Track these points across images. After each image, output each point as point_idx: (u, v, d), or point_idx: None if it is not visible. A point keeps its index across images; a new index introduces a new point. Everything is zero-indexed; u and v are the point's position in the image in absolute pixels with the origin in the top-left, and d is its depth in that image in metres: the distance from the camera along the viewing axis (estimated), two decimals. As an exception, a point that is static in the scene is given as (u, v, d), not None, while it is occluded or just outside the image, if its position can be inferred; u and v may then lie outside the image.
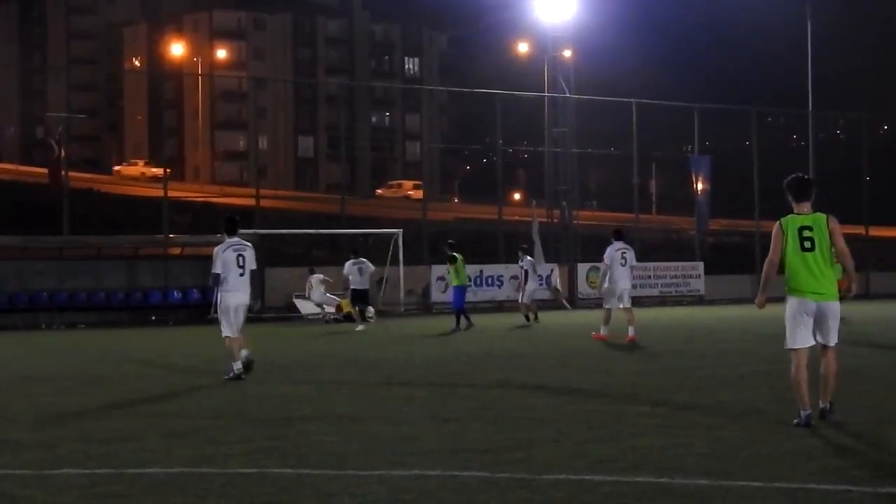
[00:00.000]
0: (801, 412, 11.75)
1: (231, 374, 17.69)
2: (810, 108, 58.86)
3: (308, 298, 38.08)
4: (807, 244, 11.78)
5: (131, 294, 41.25)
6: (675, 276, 50.11)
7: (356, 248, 35.55)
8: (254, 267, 18.21)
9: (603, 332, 25.21)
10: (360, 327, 32.18)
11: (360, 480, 9.35)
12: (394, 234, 41.99)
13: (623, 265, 25.35)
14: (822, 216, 11.89)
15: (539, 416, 13.05)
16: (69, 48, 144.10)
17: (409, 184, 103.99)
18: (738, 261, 54.94)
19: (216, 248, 18.11)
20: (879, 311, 36.12)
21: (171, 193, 46.79)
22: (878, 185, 60.36)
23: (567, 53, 53.81)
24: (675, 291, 49.72)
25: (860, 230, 54.38)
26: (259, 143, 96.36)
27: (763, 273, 12.17)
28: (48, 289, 39.84)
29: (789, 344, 11.97)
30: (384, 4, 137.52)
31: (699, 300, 49.22)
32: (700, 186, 53.34)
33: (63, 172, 45.31)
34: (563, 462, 10.00)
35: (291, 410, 13.92)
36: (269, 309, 40.76)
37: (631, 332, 24.48)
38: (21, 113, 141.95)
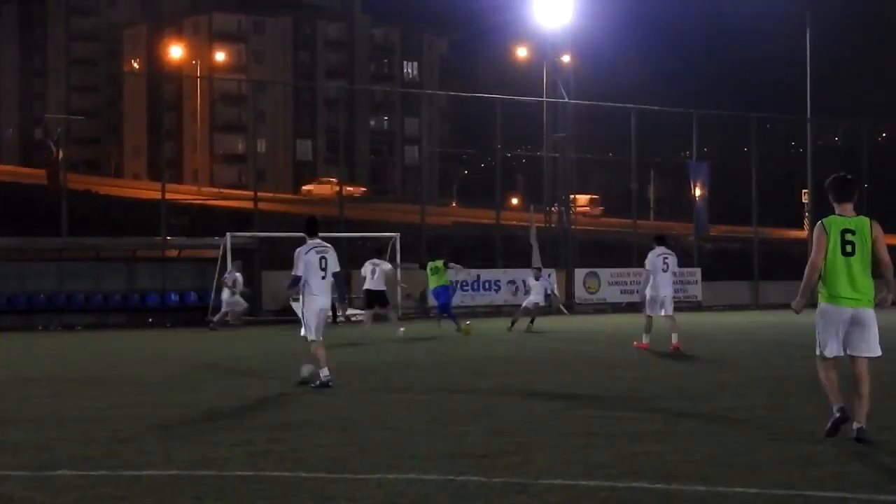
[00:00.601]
0: (834, 406, 11.30)
1: (318, 382, 16.96)
2: (809, 115, 58.89)
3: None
4: (848, 248, 11.27)
5: (129, 296, 41.26)
6: (673, 283, 50.11)
7: (380, 248, 35.78)
8: (337, 269, 17.41)
9: (645, 340, 24.37)
10: (367, 326, 31.32)
11: (357, 484, 9.36)
12: (391, 237, 41.98)
13: (665, 271, 24.79)
14: (865, 220, 11.42)
15: (537, 420, 13.06)
16: (69, 50, 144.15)
17: (582, 198, 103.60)
18: (737, 267, 54.97)
19: (298, 250, 17.37)
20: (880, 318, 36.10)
21: (169, 196, 46.78)
22: (877, 192, 60.37)
23: (566, 58, 53.88)
24: (673, 297, 49.69)
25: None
26: (258, 146, 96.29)
27: (805, 276, 11.44)
28: (46, 290, 39.87)
29: (821, 351, 11.46)
30: (384, 8, 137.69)
31: (697, 306, 49.21)
32: (698, 192, 53.37)
33: (61, 174, 45.32)
34: (561, 467, 10.00)
35: (290, 414, 13.93)
36: (266, 312, 40.83)
37: (675, 339, 23.87)
38: (21, 114, 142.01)
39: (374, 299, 31.88)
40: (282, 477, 9.71)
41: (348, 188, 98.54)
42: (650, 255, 24.91)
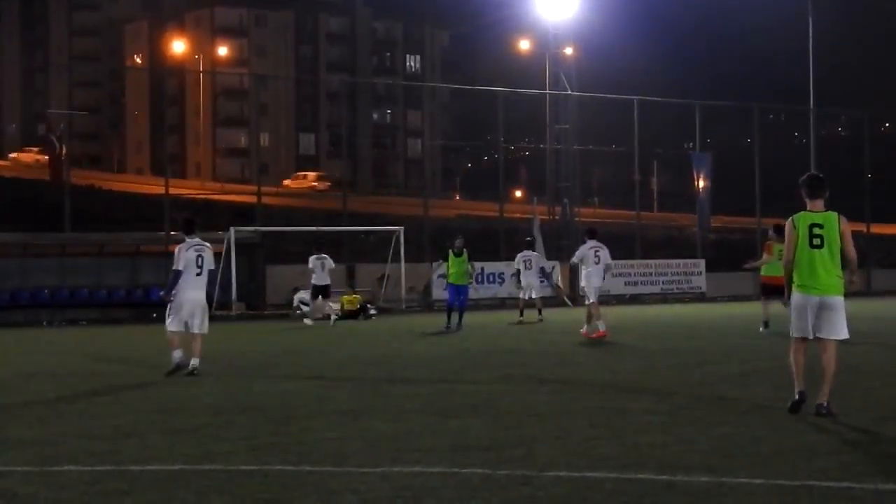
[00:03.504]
0: (795, 390, 12.38)
1: (172, 368, 18.12)
2: (812, 106, 58.81)
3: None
4: (816, 241, 12.19)
5: (133, 291, 41.27)
6: (677, 274, 50.13)
7: (319, 242, 36.12)
8: (212, 267, 18.67)
9: (601, 328, 25.26)
10: (309, 321, 33.31)
11: (362, 477, 9.35)
12: (395, 231, 41.99)
13: (596, 263, 25.98)
14: (833, 215, 12.27)
15: (541, 412, 13.05)
16: (71, 45, 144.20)
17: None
18: (740, 258, 54.79)
19: (178, 247, 18.42)
20: (880, 308, 36.12)
21: (172, 190, 46.79)
22: (879, 182, 60.34)
23: (569, 50, 53.84)
24: (677, 289, 49.73)
25: (861, 228, 54.35)
26: (260, 140, 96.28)
27: (784, 273, 12.73)
28: (50, 286, 39.87)
29: (791, 332, 12.53)
30: (386, 1, 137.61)
31: (701, 297, 49.21)
32: (701, 183, 53.34)
33: (64, 170, 45.32)
34: (565, 459, 9.99)
35: (294, 407, 13.92)
36: (269, 306, 40.82)
37: (602, 327, 25.14)
38: (23, 110, 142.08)
39: (321, 292, 33.65)
40: (286, 471, 9.70)
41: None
42: (582, 248, 26.43)
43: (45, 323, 38.42)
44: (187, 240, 18.43)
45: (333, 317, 33.34)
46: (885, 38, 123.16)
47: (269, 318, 38.20)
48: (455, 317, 30.43)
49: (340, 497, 8.64)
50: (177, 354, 18.26)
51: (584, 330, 25.64)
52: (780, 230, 25.78)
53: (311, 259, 33.99)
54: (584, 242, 26.43)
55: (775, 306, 25.59)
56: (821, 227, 12.20)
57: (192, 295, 18.24)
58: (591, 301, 25.77)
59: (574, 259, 26.41)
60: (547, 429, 11.76)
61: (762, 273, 27.26)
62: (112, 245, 43.65)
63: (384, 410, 13.50)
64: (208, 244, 18.66)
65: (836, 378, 12.35)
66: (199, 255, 18.25)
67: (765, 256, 26.90)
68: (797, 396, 12.30)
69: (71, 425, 12.69)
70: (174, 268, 18.16)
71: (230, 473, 9.64)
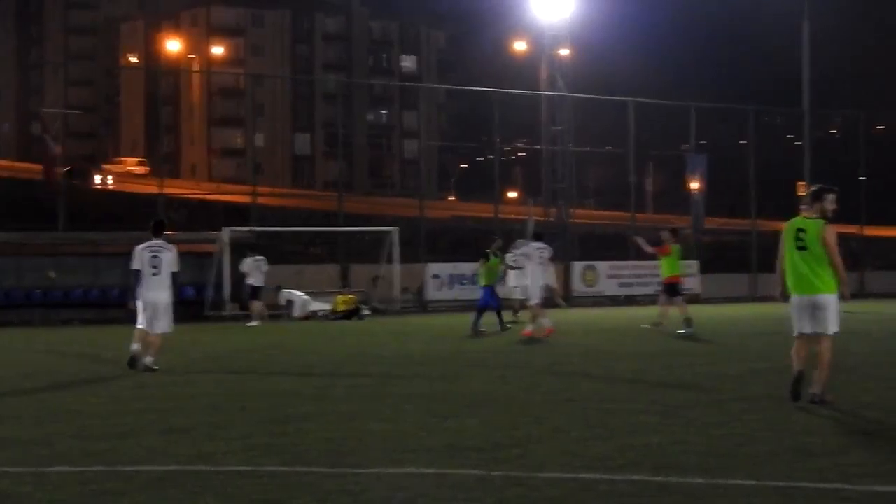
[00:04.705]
0: (794, 371, 13.20)
1: (143, 367, 18.53)
2: (806, 107, 58.82)
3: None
4: (800, 243, 13.18)
5: (127, 291, 41.16)
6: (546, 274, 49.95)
7: (256, 245, 36.64)
8: (176, 269, 18.99)
9: (547, 324, 25.88)
10: (255, 322, 33.74)
11: (356, 478, 9.35)
12: (390, 231, 41.98)
13: (540, 263, 26.61)
14: (818, 222, 13.18)
15: (536, 413, 13.05)
16: (66, 44, 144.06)
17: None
18: (735, 259, 54.93)
19: (136, 248, 19.06)
20: (875, 310, 36.14)
21: (167, 190, 46.75)
22: (874, 184, 60.35)
23: (564, 52, 53.85)
24: (543, 288, 49.47)
25: (856, 230, 54.38)
26: (256, 140, 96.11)
27: (776, 272, 13.73)
28: (44, 285, 39.79)
29: (793, 331, 13.38)
30: (382, 1, 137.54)
31: (695, 299, 49.16)
32: (696, 185, 53.32)
33: (59, 168, 45.25)
34: (560, 460, 10.00)
35: (289, 408, 13.92)
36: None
37: (531, 328, 25.79)
38: (18, 109, 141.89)
39: (257, 294, 34.63)
40: (280, 471, 9.70)
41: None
42: (528, 249, 27.11)
43: (39, 323, 38.32)
44: (148, 241, 18.99)
45: (257, 322, 34.03)
46: (879, 40, 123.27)
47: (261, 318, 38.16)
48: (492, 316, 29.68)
49: (334, 498, 8.63)
50: (133, 347, 18.77)
51: (528, 330, 25.97)
52: (675, 232, 28.08)
53: (248, 261, 34.92)
54: (527, 244, 27.04)
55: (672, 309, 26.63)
56: (804, 231, 13.16)
57: (149, 296, 18.72)
58: (535, 302, 26.14)
59: (514, 256, 26.77)
60: (542, 429, 11.77)
61: (664, 274, 27.82)
62: (107, 244, 43.53)
63: (379, 411, 13.50)
64: (171, 246, 19.04)
65: (829, 369, 13.08)
66: (155, 256, 18.73)
67: (661, 256, 27.76)
68: (795, 374, 13.08)
69: (65, 425, 12.68)
70: (131, 267, 18.87)
71: (225, 474, 9.64)
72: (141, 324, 18.84)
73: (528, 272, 26.78)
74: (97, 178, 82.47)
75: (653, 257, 32.10)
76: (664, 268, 27.95)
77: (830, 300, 13.10)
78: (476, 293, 42.97)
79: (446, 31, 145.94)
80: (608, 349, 23.08)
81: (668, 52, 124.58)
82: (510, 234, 46.17)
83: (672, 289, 27.75)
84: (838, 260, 13.06)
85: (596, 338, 26.86)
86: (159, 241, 18.97)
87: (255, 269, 34.68)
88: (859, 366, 17.38)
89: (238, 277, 37.69)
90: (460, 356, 21.73)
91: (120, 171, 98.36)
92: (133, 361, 18.64)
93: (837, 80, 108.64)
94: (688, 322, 26.33)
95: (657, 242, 28.35)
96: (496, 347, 23.99)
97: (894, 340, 24.40)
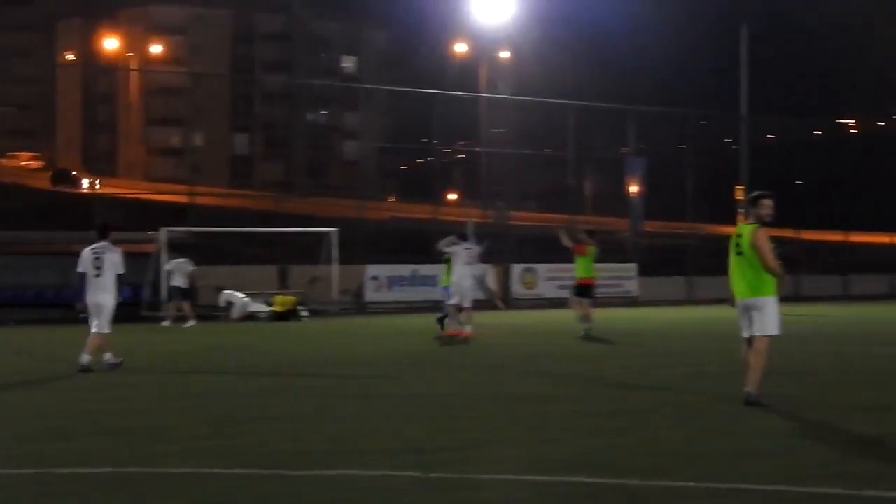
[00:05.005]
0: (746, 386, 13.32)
1: (107, 366, 18.80)
2: (743, 112, 59.30)
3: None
4: (738, 249, 13.61)
5: (63, 291, 40.79)
6: (609, 278, 50.23)
7: (182, 246, 36.75)
8: (121, 271, 19.21)
9: (467, 329, 25.82)
10: (189, 323, 33.81)
11: (295, 481, 9.33)
12: (329, 232, 41.83)
13: (467, 264, 26.43)
14: (749, 227, 13.54)
15: (478, 415, 13.08)
16: (2, 40, 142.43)
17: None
18: (672, 262, 55.25)
19: (82, 250, 19.32)
20: (811, 312, 36.46)
21: (103, 189, 46.37)
22: (810, 189, 60.93)
23: (505, 54, 54.01)
24: (610, 293, 49.84)
25: (792, 234, 54.88)
26: (194, 139, 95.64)
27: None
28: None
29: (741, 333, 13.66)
30: (324, 2, 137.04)
31: (633, 302, 49.44)
32: (634, 188, 53.62)
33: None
34: (500, 462, 10.03)
35: (230, 409, 13.86)
36: (202, 307, 40.50)
37: (460, 328, 25.79)
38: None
39: (181, 294, 34.70)
40: (221, 473, 9.65)
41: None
42: (456, 248, 26.77)
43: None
44: (96, 244, 19.19)
45: (167, 323, 34.27)
46: (816, 45, 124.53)
47: (202, 319, 37.93)
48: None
49: (273, 500, 8.62)
50: (105, 356, 18.92)
51: (453, 330, 26.09)
52: (591, 233, 28.14)
53: (173, 262, 35.09)
54: (457, 243, 26.83)
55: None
56: (741, 237, 13.55)
57: (91, 297, 19.03)
58: (465, 305, 26.16)
59: (443, 246, 26.64)
60: (483, 431, 11.80)
61: (578, 274, 27.98)
62: (41, 244, 43.15)
63: (321, 412, 13.47)
64: (116, 248, 19.26)
65: (762, 370, 13.24)
66: (97, 257, 18.95)
67: (577, 255, 27.77)
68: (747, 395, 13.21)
69: (2, 427, 12.54)
70: (77, 269, 19.12)
71: (164, 476, 9.58)
72: (93, 328, 19.14)
73: (455, 272, 26.60)
74: (85, 182, 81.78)
75: (604, 260, 32.08)
76: (579, 268, 27.90)
77: (766, 302, 13.35)
78: (413, 295, 43.26)
79: (388, 32, 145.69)
80: (550, 351, 23.14)
81: (609, 56, 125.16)
82: (449, 236, 46.21)
83: (583, 290, 27.75)
84: (770, 259, 13.27)
85: (537, 340, 26.93)
86: (104, 244, 19.14)
87: (179, 271, 34.76)
88: (798, 368, 17.53)
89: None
90: (402, 358, 21.72)
91: (14, 165, 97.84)
92: (114, 367, 18.88)
93: (775, 85, 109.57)
94: (587, 323, 26.66)
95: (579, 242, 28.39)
96: (438, 349, 23.99)
97: (831, 343, 24.66)
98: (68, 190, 66.44)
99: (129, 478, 9.53)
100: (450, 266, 28.37)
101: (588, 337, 25.77)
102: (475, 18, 54.20)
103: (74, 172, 79.92)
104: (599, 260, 28.71)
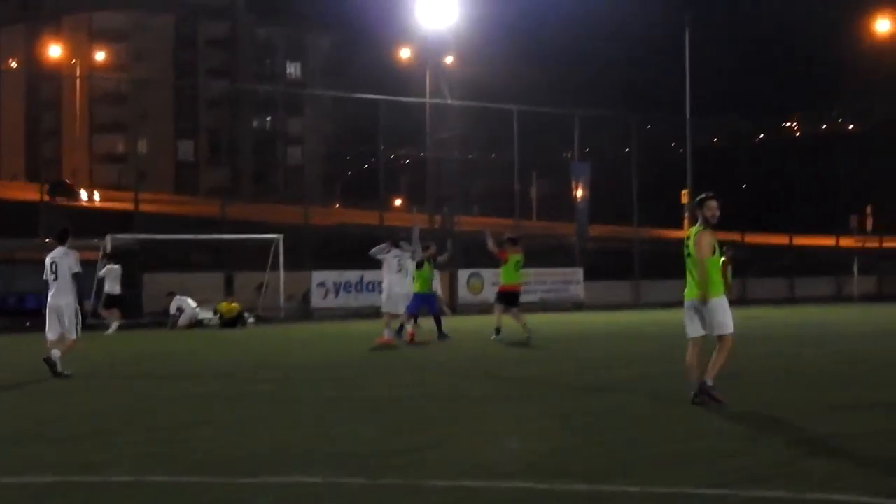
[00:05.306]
0: (693, 383, 13.53)
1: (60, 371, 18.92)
2: (688, 116, 59.69)
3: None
4: (686, 251, 13.83)
5: (7, 299, 40.44)
6: (556, 282, 50.39)
7: (115, 252, 36.82)
8: (76, 270, 19.47)
9: (387, 335, 26.01)
10: (111, 329, 34.18)
11: (241, 488, 9.29)
12: (274, 238, 41.70)
13: (398, 271, 26.68)
14: (695, 229, 13.81)
15: (428, 420, 13.08)
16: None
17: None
18: (618, 267, 55.46)
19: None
20: (757, 315, 36.71)
21: (48, 197, 45.98)
22: (754, 192, 61.41)
23: (449, 59, 54.07)
24: (556, 297, 49.97)
25: (737, 237, 55.26)
26: (139, 146, 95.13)
27: None
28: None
29: (685, 334, 13.81)
30: (268, 6, 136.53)
31: (579, 306, 49.59)
32: (580, 192, 53.80)
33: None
34: (450, 467, 10.02)
35: (177, 416, 13.79)
36: (147, 314, 40.27)
37: (388, 335, 26.00)
38: None
39: (115, 302, 35.14)
40: (165, 481, 9.59)
41: None
42: (387, 257, 26.89)
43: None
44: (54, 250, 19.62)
45: (115, 325, 34.62)
46: (759, 49, 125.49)
47: (147, 327, 37.73)
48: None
49: (220, 508, 8.57)
50: (54, 353, 19.17)
51: (385, 337, 26.01)
52: (514, 241, 27.95)
53: (106, 268, 35.38)
54: (389, 251, 26.97)
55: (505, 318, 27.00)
56: (689, 239, 13.81)
57: (50, 300, 19.44)
58: (398, 312, 26.53)
59: (375, 253, 26.94)
60: (433, 436, 11.79)
61: (501, 280, 28.08)
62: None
63: (269, 419, 13.42)
64: (71, 251, 19.57)
65: (724, 361, 13.53)
66: (53, 262, 19.41)
67: (499, 261, 27.81)
68: (694, 392, 13.43)
69: (-58, 437, 12.41)
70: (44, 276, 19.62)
71: (107, 485, 9.50)
72: (46, 332, 19.55)
73: (386, 281, 26.73)
74: (83, 195, 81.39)
75: (533, 265, 32.18)
76: (502, 275, 27.94)
77: (716, 303, 13.58)
78: (358, 300, 43.18)
79: (332, 37, 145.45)
80: (498, 356, 23.16)
81: (554, 61, 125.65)
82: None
83: (503, 297, 27.69)
84: (702, 260, 13.51)
85: (485, 345, 26.94)
86: (61, 249, 19.55)
87: (111, 277, 35.04)
88: (744, 370, 17.61)
89: (100, 285, 37.30)
90: (351, 363, 21.68)
91: None
92: (51, 366, 19.04)
93: (719, 89, 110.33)
94: (497, 331, 26.71)
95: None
96: (389, 354, 23.96)
97: (777, 345, 24.84)
98: (67, 203, 65.82)
99: (77, 486, 9.45)
100: (422, 273, 28.37)
101: (526, 343, 25.65)
102: (420, 23, 54.20)
103: (70, 182, 79.14)
104: (527, 265, 28.72)
